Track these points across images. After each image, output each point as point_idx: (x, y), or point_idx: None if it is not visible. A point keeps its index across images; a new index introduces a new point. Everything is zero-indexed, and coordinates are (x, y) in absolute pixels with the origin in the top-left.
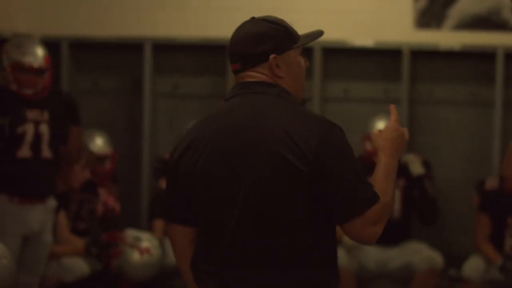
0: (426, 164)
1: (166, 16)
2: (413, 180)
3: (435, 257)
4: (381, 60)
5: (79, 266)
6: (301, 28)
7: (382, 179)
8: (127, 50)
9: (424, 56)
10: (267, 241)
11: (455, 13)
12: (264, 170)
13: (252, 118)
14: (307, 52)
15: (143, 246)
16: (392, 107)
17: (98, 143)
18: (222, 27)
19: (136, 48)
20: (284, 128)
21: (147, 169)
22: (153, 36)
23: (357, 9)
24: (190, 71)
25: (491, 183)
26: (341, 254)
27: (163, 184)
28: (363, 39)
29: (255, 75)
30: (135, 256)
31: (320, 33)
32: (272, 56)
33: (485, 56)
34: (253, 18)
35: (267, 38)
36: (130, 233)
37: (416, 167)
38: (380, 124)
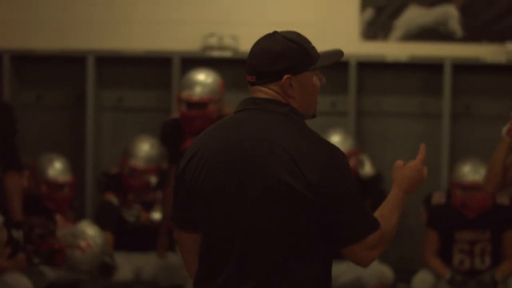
0: (379, 177)
1: (110, 28)
2: (365, 182)
3: (385, 272)
4: (328, 72)
5: (22, 282)
6: (247, 41)
7: (390, 209)
8: (71, 63)
9: (371, 67)
10: (265, 258)
11: (402, 24)
12: (263, 189)
13: (257, 136)
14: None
15: (82, 243)
16: (423, 147)
17: (57, 168)
18: (167, 40)
19: (79, 61)
20: (287, 149)
21: (91, 183)
22: (96, 48)
23: (303, 21)
24: (135, 84)
25: (438, 198)
26: None
27: (108, 197)
28: None
29: (267, 91)
30: (78, 254)
31: (340, 54)
32: (286, 76)
33: (432, 68)
34: (275, 33)
35: (284, 57)
36: (65, 232)
37: (368, 168)
38: (334, 138)
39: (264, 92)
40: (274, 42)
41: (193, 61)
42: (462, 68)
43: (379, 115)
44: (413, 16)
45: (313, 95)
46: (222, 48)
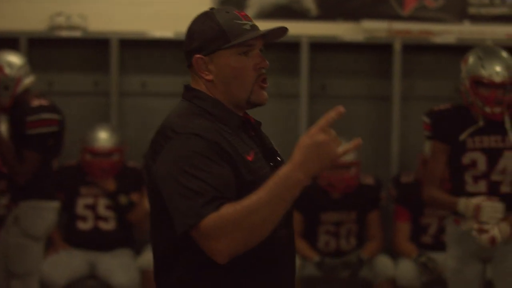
0: None
1: None
2: None
3: None
4: (180, 52)
5: None
6: (96, 20)
7: (265, 190)
8: None
9: None
10: (153, 250)
11: (255, 2)
12: (148, 180)
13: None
14: (99, 44)
15: None
16: (338, 109)
17: None
18: (12, 20)
19: None
20: (157, 135)
21: None
22: None
23: (153, 1)
24: None
25: None
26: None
27: None
28: (163, 30)
29: (193, 75)
30: None
31: (282, 30)
32: (195, 57)
33: (289, 46)
34: (207, 10)
35: (196, 36)
36: None
37: None
38: None
39: (192, 77)
40: (196, 20)
41: (40, 42)
42: (319, 46)
43: None
44: None
45: (238, 79)
46: (70, 27)
